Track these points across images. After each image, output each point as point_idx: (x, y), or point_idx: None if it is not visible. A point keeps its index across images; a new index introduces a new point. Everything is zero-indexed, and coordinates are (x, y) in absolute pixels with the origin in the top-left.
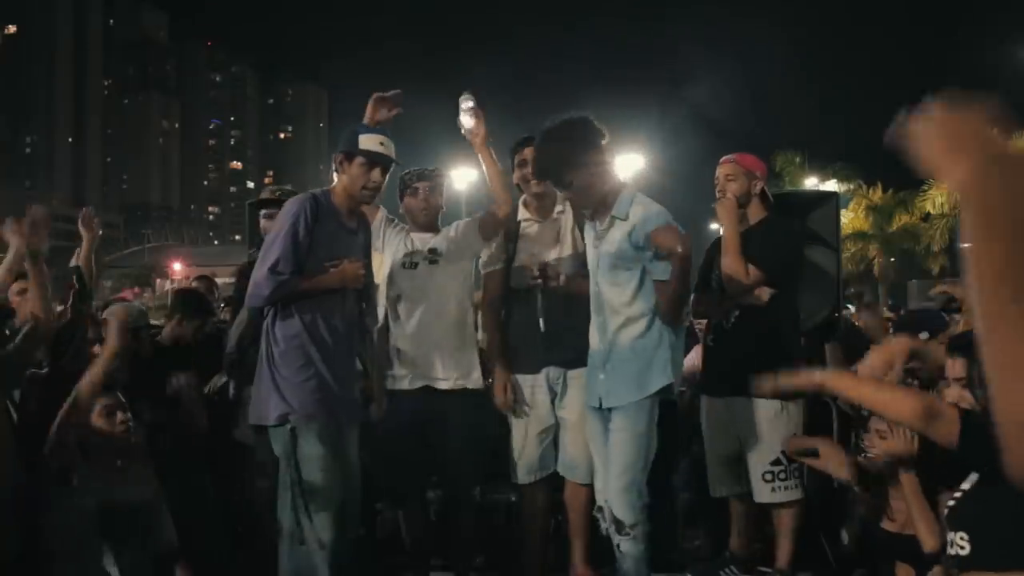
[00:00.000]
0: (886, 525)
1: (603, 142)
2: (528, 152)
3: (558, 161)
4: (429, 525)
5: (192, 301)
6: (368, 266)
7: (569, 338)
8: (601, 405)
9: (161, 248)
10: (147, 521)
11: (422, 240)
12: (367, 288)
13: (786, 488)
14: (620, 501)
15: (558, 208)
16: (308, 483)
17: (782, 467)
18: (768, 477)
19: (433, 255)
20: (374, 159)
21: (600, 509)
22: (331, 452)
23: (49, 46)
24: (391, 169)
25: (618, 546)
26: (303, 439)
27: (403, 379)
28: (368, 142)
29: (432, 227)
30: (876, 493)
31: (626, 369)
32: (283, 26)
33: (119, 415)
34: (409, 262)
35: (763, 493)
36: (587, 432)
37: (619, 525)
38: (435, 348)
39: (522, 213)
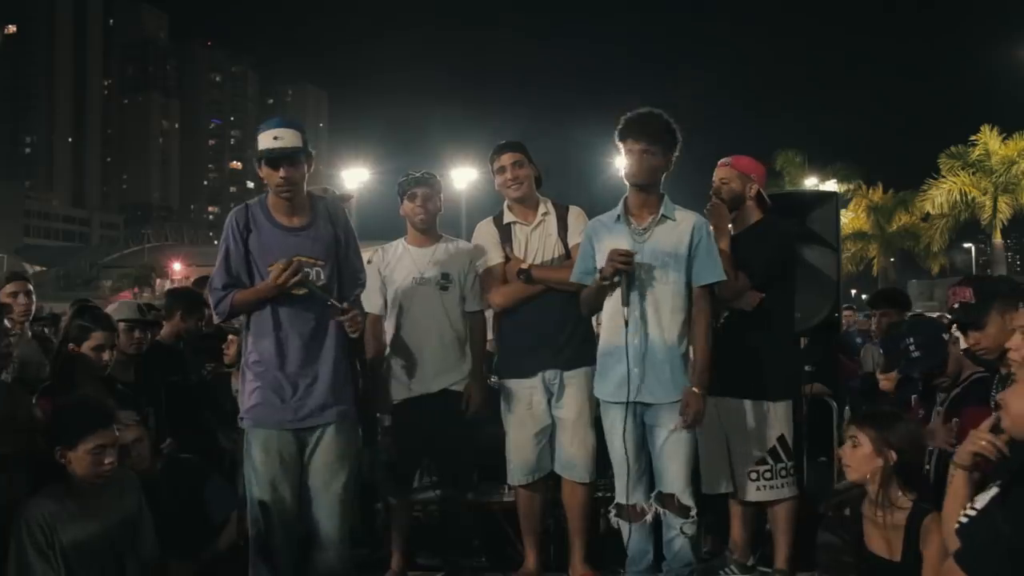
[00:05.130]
0: (873, 547)
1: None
2: (506, 158)
3: (669, 136)
4: (419, 522)
5: (189, 298)
6: (343, 257)
7: (565, 339)
8: (630, 399)
9: (161, 248)
10: (129, 533)
11: (424, 257)
12: (337, 287)
13: (772, 487)
14: (688, 491)
15: (542, 210)
16: (252, 485)
17: (768, 466)
18: (753, 476)
19: (445, 280)
20: (271, 157)
21: (662, 499)
22: (275, 459)
23: (49, 46)
24: (305, 159)
25: (681, 529)
26: (251, 443)
27: (405, 386)
28: (264, 141)
29: (430, 231)
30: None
31: (664, 369)
32: (283, 26)
33: (107, 458)
34: (420, 278)
35: (748, 491)
36: (602, 425)
37: (686, 511)
38: (436, 357)
39: (508, 216)
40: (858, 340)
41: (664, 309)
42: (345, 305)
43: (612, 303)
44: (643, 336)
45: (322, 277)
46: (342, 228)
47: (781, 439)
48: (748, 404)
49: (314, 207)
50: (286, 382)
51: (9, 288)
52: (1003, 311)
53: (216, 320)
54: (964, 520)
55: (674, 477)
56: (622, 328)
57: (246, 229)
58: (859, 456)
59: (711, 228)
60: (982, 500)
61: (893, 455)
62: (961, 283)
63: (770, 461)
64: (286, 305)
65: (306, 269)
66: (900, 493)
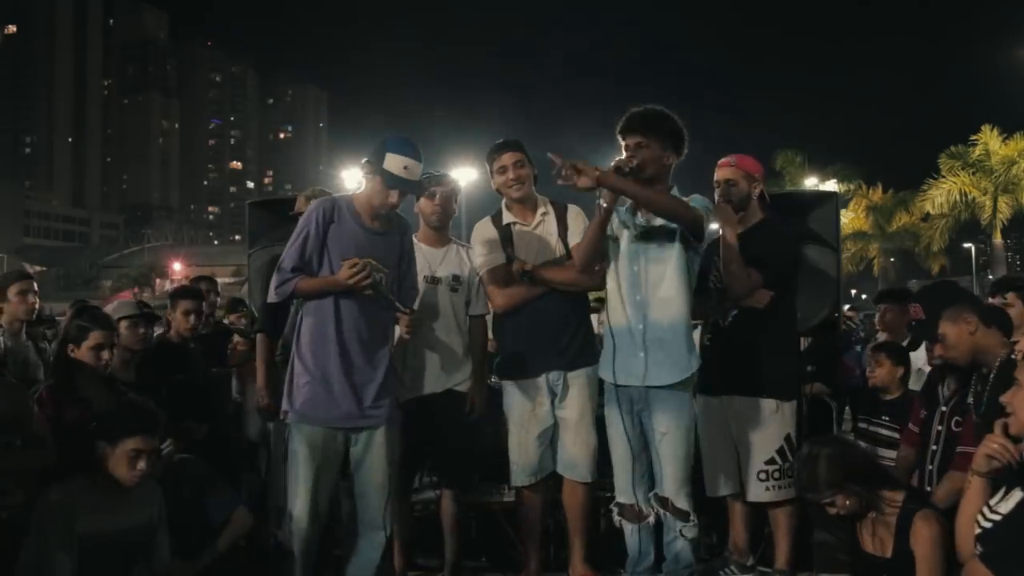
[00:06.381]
0: (866, 546)
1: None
2: (507, 158)
3: (675, 133)
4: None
5: (176, 291)
6: (405, 271)
7: (567, 340)
8: (642, 383)
9: (161, 248)
10: (143, 542)
11: (437, 257)
12: (402, 293)
13: (780, 487)
14: (683, 494)
15: (541, 210)
16: (292, 477)
17: (776, 466)
18: (763, 476)
19: (456, 282)
20: (393, 183)
21: (660, 500)
22: (319, 456)
23: (49, 46)
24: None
25: (681, 532)
26: (293, 438)
27: (411, 386)
28: (393, 164)
29: (443, 232)
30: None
31: (668, 349)
32: (283, 26)
33: (141, 462)
34: (432, 277)
35: (757, 492)
36: (609, 417)
37: (683, 515)
38: (443, 357)
39: (507, 217)
40: (861, 334)
41: (661, 287)
42: (408, 309)
43: (614, 288)
44: (646, 320)
45: (384, 283)
46: (408, 242)
47: (788, 438)
48: (760, 402)
49: (390, 217)
50: (342, 381)
51: (16, 288)
52: (954, 318)
53: (273, 299)
54: (988, 526)
55: (667, 480)
56: (622, 315)
57: (329, 221)
58: (849, 509)
59: (709, 204)
60: (1006, 505)
61: (855, 487)
62: (915, 298)
63: (779, 460)
64: (353, 304)
65: (376, 274)
66: (886, 495)
